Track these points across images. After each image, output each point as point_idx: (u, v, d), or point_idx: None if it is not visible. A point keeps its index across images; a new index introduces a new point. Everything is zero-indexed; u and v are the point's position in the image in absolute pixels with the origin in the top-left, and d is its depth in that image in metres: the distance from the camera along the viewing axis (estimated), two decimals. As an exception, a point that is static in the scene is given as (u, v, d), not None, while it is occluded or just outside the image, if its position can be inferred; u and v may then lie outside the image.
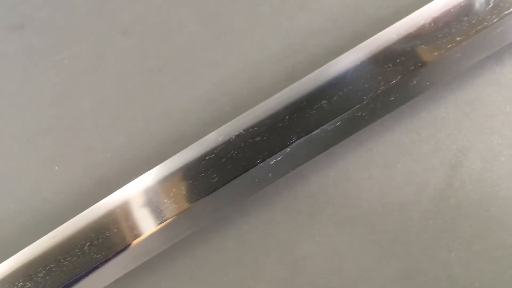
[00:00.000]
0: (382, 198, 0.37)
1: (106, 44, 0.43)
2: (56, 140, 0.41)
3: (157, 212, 0.32)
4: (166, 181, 0.32)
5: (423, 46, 0.32)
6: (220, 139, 0.32)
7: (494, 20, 0.31)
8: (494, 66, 0.38)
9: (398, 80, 0.32)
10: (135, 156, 0.41)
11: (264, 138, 0.32)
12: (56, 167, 0.40)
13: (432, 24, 0.31)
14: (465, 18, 0.31)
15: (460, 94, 0.38)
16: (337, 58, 0.33)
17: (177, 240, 0.35)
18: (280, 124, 0.32)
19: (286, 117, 0.32)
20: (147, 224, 0.31)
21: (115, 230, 0.31)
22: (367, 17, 0.41)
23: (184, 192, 0.32)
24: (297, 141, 0.32)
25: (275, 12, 0.42)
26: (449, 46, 0.31)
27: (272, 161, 0.33)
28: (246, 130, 0.32)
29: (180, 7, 0.43)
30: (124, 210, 0.32)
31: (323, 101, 0.32)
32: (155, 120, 0.41)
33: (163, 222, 0.31)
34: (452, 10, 0.31)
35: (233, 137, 0.32)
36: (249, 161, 0.32)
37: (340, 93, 0.32)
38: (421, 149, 0.38)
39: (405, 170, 0.38)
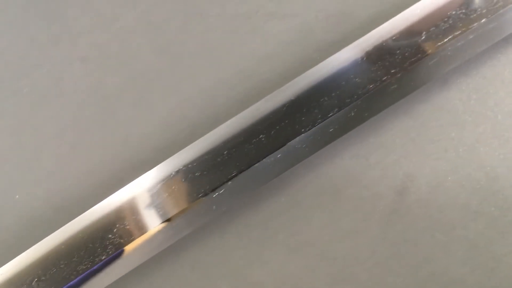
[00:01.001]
0: (332, 224, 0.38)
1: (64, 72, 0.44)
2: (16, 169, 0.42)
3: (102, 246, 0.32)
4: (112, 215, 0.33)
5: (357, 79, 0.32)
6: (160, 175, 0.32)
7: (428, 52, 0.31)
8: (439, 91, 0.38)
9: (335, 112, 0.32)
10: (95, 183, 0.42)
11: (204, 173, 0.32)
12: (17, 196, 0.40)
13: (365, 58, 0.31)
14: (398, 52, 0.31)
15: (406, 120, 0.38)
16: (274, 92, 0.33)
17: (129, 270, 0.35)
18: (219, 159, 0.32)
19: (225, 152, 0.32)
20: (95, 255, 0.32)
21: (61, 266, 0.32)
22: (317, 42, 0.41)
23: (130, 226, 0.32)
24: (239, 175, 0.32)
25: (227, 38, 0.43)
26: (384, 78, 0.31)
27: (215, 194, 0.33)
28: (186, 166, 0.32)
29: (136, 34, 0.43)
30: (79, 239, 0.32)
31: (261, 136, 0.32)
32: (113, 147, 0.42)
33: (108, 256, 0.32)
34: (388, 42, 0.31)
35: (173, 173, 0.32)
36: (191, 196, 0.33)
37: (277, 127, 0.32)
38: (369, 175, 0.38)
39: (354, 196, 0.38)
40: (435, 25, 0.32)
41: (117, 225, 0.32)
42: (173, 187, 0.32)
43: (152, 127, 0.42)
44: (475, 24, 0.32)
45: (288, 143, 0.32)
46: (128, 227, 0.32)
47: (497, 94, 0.37)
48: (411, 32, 0.32)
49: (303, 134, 0.32)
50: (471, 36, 0.32)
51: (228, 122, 0.33)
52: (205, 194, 0.33)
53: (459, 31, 0.32)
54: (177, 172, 0.32)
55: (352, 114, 0.33)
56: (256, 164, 0.33)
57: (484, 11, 0.32)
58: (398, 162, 0.38)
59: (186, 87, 0.43)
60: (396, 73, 0.32)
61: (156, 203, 0.31)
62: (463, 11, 0.32)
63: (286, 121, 0.32)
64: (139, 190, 0.32)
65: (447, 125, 0.38)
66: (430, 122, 0.38)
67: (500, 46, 0.38)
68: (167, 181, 0.32)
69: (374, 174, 0.38)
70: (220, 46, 0.43)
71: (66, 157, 0.42)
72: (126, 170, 0.42)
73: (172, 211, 0.32)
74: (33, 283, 0.32)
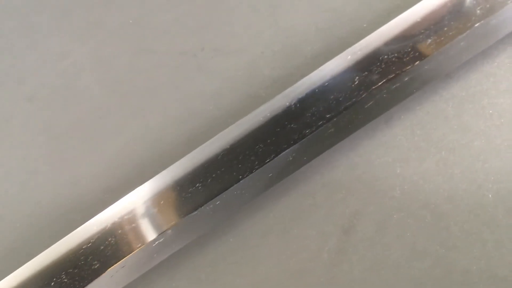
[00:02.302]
0: (279, 264, 0.37)
1: (12, 112, 0.43)
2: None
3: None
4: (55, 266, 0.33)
5: (292, 125, 0.32)
6: (94, 228, 0.31)
7: (362, 96, 0.31)
8: (383, 127, 0.38)
9: (272, 158, 0.32)
10: (44, 226, 0.41)
11: (141, 224, 0.32)
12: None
13: (298, 105, 0.31)
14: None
15: (352, 156, 0.38)
16: (210, 141, 0.33)
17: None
18: (155, 209, 0.32)
19: (161, 202, 0.32)
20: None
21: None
22: (264, 78, 0.41)
23: (69, 280, 0.32)
24: (178, 223, 0.32)
25: (174, 75, 0.42)
26: (320, 123, 0.31)
27: (155, 242, 0.33)
28: (122, 218, 0.32)
29: (84, 72, 0.43)
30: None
31: (198, 184, 0.32)
32: (62, 188, 0.42)
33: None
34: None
35: (108, 225, 0.32)
36: (129, 245, 0.32)
37: (213, 175, 0.32)
38: (316, 213, 0.38)
39: (301, 236, 0.38)
40: (368, 70, 0.31)
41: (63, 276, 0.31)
42: (110, 240, 0.32)
43: (101, 167, 0.42)
44: (409, 66, 0.31)
45: (226, 191, 0.32)
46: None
47: (440, 130, 0.37)
48: (344, 77, 0.32)
49: (241, 181, 0.32)
50: (406, 78, 0.32)
51: (161, 173, 0.33)
52: (143, 244, 0.32)
53: (393, 74, 0.31)
54: (113, 224, 0.32)
55: (290, 158, 0.33)
56: (194, 213, 0.32)
57: (417, 53, 0.31)
58: (345, 200, 0.38)
59: (134, 126, 0.42)
60: (332, 118, 0.32)
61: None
62: (395, 55, 0.31)
63: (223, 169, 0.32)
64: (64, 252, 0.31)
65: (393, 161, 0.38)
66: (375, 159, 0.38)
67: (442, 82, 0.38)
68: (103, 233, 0.31)
69: (321, 213, 0.38)
70: (167, 83, 0.42)
71: (15, 199, 0.41)
72: (75, 210, 0.41)
73: (110, 264, 0.31)
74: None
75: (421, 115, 0.38)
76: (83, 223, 0.35)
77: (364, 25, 0.40)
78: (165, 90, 0.42)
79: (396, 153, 0.38)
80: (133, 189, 0.35)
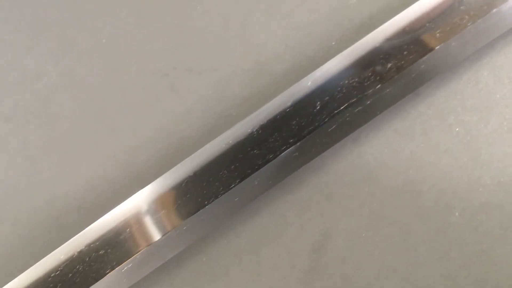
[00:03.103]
0: (252, 283, 0.38)
1: (-11, 133, 0.44)
2: None
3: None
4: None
5: (255, 151, 0.32)
6: (61, 257, 0.32)
7: (325, 120, 0.31)
8: (351, 146, 0.38)
9: (237, 183, 0.32)
10: (22, 246, 0.41)
11: (109, 250, 0.32)
12: None
13: (260, 131, 0.31)
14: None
15: (322, 175, 0.38)
16: (174, 168, 0.33)
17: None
18: (121, 237, 0.32)
19: (127, 230, 0.32)
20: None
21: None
22: (235, 97, 0.41)
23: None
24: (144, 250, 0.32)
25: (147, 94, 0.42)
26: (283, 148, 0.31)
27: (124, 268, 0.33)
28: (88, 246, 0.32)
29: (59, 91, 0.43)
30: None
31: (163, 211, 0.32)
32: (39, 208, 0.42)
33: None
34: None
35: (76, 253, 0.32)
36: (98, 272, 0.32)
37: (179, 201, 0.32)
38: (287, 232, 0.38)
39: (272, 255, 0.38)
40: (329, 95, 0.32)
41: None
42: (78, 267, 0.32)
43: (76, 187, 0.42)
44: (370, 90, 0.32)
45: (191, 217, 0.32)
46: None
47: (408, 148, 0.37)
48: (305, 102, 0.32)
49: (206, 207, 0.32)
50: (368, 102, 0.32)
51: (132, 196, 0.33)
52: (112, 269, 0.33)
53: (355, 99, 0.32)
54: (80, 252, 0.32)
55: (256, 182, 0.33)
56: (161, 238, 0.32)
57: (377, 77, 0.32)
58: (315, 219, 0.38)
59: (108, 146, 0.42)
60: (295, 142, 0.32)
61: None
62: (356, 79, 0.32)
63: (188, 196, 0.32)
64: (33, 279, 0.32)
65: (361, 180, 0.38)
66: (344, 178, 0.38)
67: (409, 99, 0.38)
68: (68, 263, 0.32)
69: (292, 232, 0.38)
70: (140, 103, 0.43)
71: (-7, 219, 0.42)
72: (51, 231, 0.42)
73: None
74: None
75: (388, 133, 0.38)
76: (58, 246, 0.35)
77: (333, 43, 0.40)
78: (138, 110, 0.43)
79: (364, 171, 0.38)
80: (108, 210, 0.36)
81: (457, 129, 0.37)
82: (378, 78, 0.32)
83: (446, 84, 0.38)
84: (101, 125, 0.43)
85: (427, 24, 0.32)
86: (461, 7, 0.32)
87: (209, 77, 0.42)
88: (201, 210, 0.33)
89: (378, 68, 0.32)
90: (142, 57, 0.44)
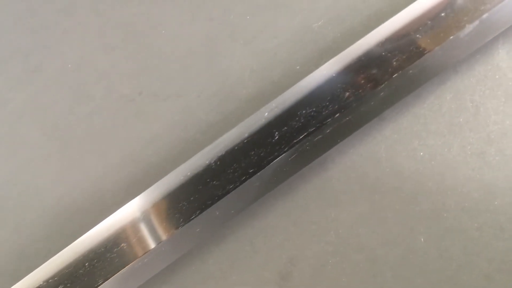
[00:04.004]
0: (219, 312, 0.37)
1: (-46, 161, 0.43)
2: None
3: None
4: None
5: (214, 182, 0.31)
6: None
7: (284, 150, 0.31)
8: (318, 171, 0.38)
9: (198, 214, 0.32)
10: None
11: (68, 285, 0.32)
12: None
13: (218, 163, 0.31)
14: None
15: (288, 202, 0.38)
16: (130, 202, 0.33)
17: None
18: (81, 271, 0.32)
19: (86, 264, 0.32)
20: None
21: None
22: (200, 123, 0.41)
23: None
24: (105, 283, 0.32)
25: (113, 120, 0.42)
26: (243, 179, 0.31)
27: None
28: (47, 281, 0.31)
29: (25, 118, 0.43)
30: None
31: (123, 244, 0.32)
32: (4, 236, 0.41)
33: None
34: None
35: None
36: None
37: (138, 235, 0.32)
38: (254, 259, 0.38)
39: (240, 282, 0.38)
40: (287, 125, 0.31)
41: None
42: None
43: (42, 215, 0.41)
44: (329, 119, 0.31)
45: (152, 249, 0.32)
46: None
47: (373, 173, 0.37)
48: (263, 133, 0.32)
49: (164, 240, 0.32)
50: (327, 130, 0.32)
51: (86, 234, 0.32)
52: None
53: (313, 128, 0.31)
54: (39, 287, 0.32)
55: (217, 213, 0.32)
56: (122, 270, 0.32)
57: (336, 106, 0.31)
58: (282, 246, 0.38)
59: (74, 173, 0.42)
60: (255, 172, 0.32)
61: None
62: (313, 109, 0.31)
63: (148, 228, 0.32)
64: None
65: (327, 206, 0.38)
66: (310, 204, 0.38)
67: (375, 124, 0.38)
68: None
69: (259, 258, 0.38)
70: (107, 129, 0.42)
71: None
72: (17, 260, 0.41)
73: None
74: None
75: (354, 157, 0.38)
76: (24, 276, 0.35)
77: (298, 67, 0.40)
78: (105, 136, 0.42)
79: (331, 196, 0.38)
80: (76, 238, 0.35)
81: (421, 153, 0.37)
82: (336, 106, 0.31)
83: (409, 109, 0.38)
84: (67, 152, 0.42)
85: (383, 53, 0.32)
86: (417, 35, 0.31)
87: (175, 102, 0.42)
88: (159, 244, 0.32)
89: (336, 97, 0.31)
90: (108, 82, 0.43)
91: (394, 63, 0.31)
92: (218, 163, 0.31)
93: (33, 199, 0.42)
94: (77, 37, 0.44)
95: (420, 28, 0.31)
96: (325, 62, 0.35)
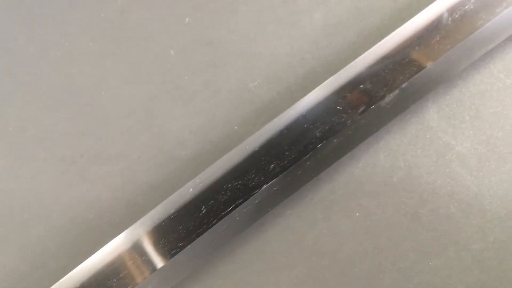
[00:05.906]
0: None
1: None
2: None
3: None
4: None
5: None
6: None
7: (213, 222, 0.31)
8: (256, 233, 0.38)
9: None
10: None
11: None
12: None
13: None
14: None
15: (228, 264, 0.38)
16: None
17: None
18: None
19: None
20: None
21: None
22: (141, 185, 0.41)
23: None
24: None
25: (55, 183, 0.42)
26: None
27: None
28: None
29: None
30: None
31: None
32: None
33: None
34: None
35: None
36: None
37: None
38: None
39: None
40: (213, 199, 0.31)
41: None
42: None
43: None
44: (256, 191, 0.32)
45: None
46: None
47: (311, 234, 0.37)
48: (190, 208, 0.32)
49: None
50: (256, 201, 0.32)
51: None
52: None
53: (241, 200, 0.31)
54: None
55: (150, 287, 0.32)
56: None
57: (262, 178, 0.31)
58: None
59: (16, 238, 0.41)
60: (184, 246, 0.32)
61: None
62: (239, 182, 0.31)
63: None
64: None
65: (266, 268, 0.37)
66: (250, 266, 0.38)
67: (311, 184, 0.38)
68: None
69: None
70: (48, 191, 0.42)
71: None
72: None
73: None
74: None
75: (292, 219, 0.38)
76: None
77: (236, 128, 0.40)
78: (46, 199, 0.42)
79: (269, 259, 0.38)
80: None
81: (357, 214, 0.37)
82: (262, 178, 0.31)
83: (345, 169, 0.38)
84: (8, 217, 0.42)
85: (307, 125, 0.32)
86: (338, 107, 0.32)
87: (116, 164, 0.41)
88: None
89: (261, 169, 0.31)
90: (50, 144, 0.43)
91: (317, 134, 0.31)
92: (146, 238, 0.31)
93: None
94: (18, 99, 0.44)
95: (340, 100, 0.32)
96: (262, 122, 0.36)
